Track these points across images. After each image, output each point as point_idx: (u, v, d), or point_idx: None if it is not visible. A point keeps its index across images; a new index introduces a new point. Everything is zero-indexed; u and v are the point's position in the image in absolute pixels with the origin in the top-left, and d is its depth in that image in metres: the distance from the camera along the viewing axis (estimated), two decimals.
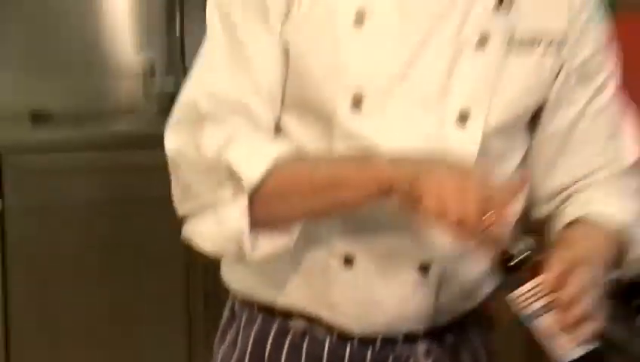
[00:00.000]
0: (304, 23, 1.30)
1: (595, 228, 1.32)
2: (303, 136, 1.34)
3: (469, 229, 1.08)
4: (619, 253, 1.34)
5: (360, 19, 1.28)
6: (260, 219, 1.24)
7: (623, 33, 1.98)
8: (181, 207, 1.32)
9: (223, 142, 1.25)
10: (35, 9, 3.54)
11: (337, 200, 1.25)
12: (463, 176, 1.13)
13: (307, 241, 1.32)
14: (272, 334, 1.39)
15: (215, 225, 1.27)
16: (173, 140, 1.31)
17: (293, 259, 1.33)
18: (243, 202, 1.22)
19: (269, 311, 1.39)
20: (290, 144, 1.28)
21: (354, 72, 1.29)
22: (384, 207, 1.22)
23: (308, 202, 1.28)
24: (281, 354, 1.39)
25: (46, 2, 3.54)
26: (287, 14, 1.29)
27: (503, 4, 1.30)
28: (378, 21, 1.29)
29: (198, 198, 1.29)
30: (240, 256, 1.26)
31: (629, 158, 1.43)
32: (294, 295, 1.37)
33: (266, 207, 1.25)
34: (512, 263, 1.15)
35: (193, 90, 1.32)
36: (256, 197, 1.23)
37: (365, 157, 1.24)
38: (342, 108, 1.29)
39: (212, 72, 1.33)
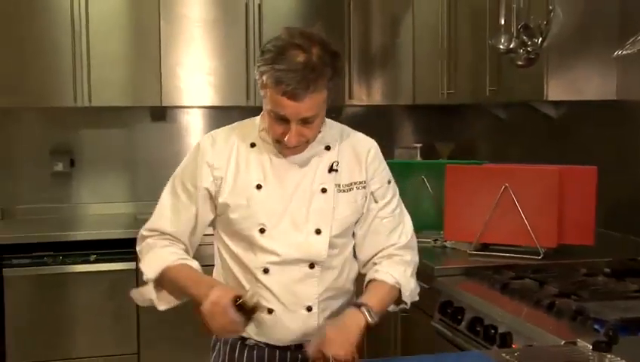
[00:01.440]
0: (231, 192, 1.86)
1: (379, 282, 1.92)
2: (237, 249, 1.89)
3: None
4: (397, 296, 1.94)
5: (259, 187, 1.86)
6: (164, 289, 1.87)
7: (453, 175, 3.07)
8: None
9: (143, 255, 1.90)
10: None
11: (186, 296, 1.85)
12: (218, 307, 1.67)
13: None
14: (238, 347, 1.93)
15: (141, 295, 1.89)
16: (137, 246, 1.95)
17: None
18: (151, 286, 1.85)
19: (237, 337, 1.91)
20: (178, 255, 1.85)
21: (259, 215, 1.85)
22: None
23: (175, 291, 1.86)
24: (243, 356, 1.92)
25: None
26: (217, 189, 1.86)
27: (332, 170, 1.89)
28: (268, 187, 1.86)
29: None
30: (153, 307, 1.88)
31: (404, 241, 2.00)
32: (248, 331, 1.87)
33: (164, 285, 1.86)
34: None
35: (152, 221, 1.93)
36: (157, 282, 1.85)
37: (201, 282, 1.79)
38: (255, 235, 1.85)
39: (159, 213, 1.93)
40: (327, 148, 1.91)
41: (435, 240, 3.35)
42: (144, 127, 4.59)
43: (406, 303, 1.97)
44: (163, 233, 1.90)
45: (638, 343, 1.93)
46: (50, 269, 3.81)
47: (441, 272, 2.89)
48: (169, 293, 1.87)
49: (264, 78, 1.74)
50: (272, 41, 1.78)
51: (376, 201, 1.95)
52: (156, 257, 1.86)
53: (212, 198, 1.90)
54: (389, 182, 2.00)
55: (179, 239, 1.91)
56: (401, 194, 3.64)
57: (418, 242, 3.25)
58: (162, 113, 4.56)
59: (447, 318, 2.72)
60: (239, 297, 1.70)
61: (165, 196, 1.94)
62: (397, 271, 1.94)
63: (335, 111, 4.72)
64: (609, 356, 1.38)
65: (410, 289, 1.97)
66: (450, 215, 3.18)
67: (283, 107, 1.73)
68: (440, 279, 2.85)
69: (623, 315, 2.14)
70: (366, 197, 1.93)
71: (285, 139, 1.78)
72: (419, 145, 4.44)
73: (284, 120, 1.76)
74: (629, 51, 2.14)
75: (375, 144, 2.00)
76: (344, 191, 1.90)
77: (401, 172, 3.51)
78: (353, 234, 1.98)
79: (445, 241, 3.30)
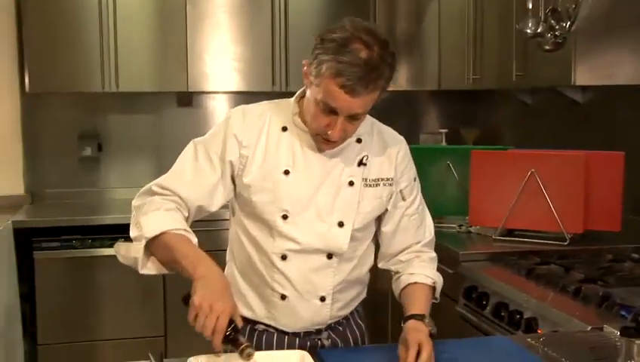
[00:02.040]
0: (257, 174, 1.81)
1: (419, 286, 1.89)
2: (255, 231, 1.85)
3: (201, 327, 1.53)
4: (433, 293, 1.91)
5: (287, 172, 1.81)
6: (152, 253, 1.73)
7: (478, 160, 3.07)
8: (130, 231, 1.78)
9: (145, 211, 1.75)
10: None
11: (177, 269, 1.70)
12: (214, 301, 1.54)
13: (265, 287, 1.86)
14: (247, 331, 1.90)
15: (127, 251, 1.76)
16: (136, 200, 1.82)
17: (257, 296, 1.88)
18: (142, 244, 1.70)
19: (247, 321, 1.86)
20: (182, 225, 1.73)
21: (283, 201, 1.80)
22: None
23: (167, 259, 1.72)
24: (252, 340, 1.87)
25: None
26: (241, 167, 1.81)
27: (361, 164, 1.86)
28: (296, 174, 1.81)
29: (132, 231, 1.77)
30: (135, 269, 1.73)
31: (428, 237, 1.99)
32: (258, 313, 1.90)
33: (154, 250, 1.72)
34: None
35: (166, 180, 1.82)
36: (150, 243, 1.71)
37: (198, 259, 1.65)
38: (277, 221, 1.81)
39: (176, 174, 1.84)
40: (359, 140, 1.86)
41: (460, 225, 3.35)
42: (170, 113, 4.60)
43: (437, 298, 1.95)
44: (174, 194, 1.80)
45: None
46: (79, 252, 3.84)
47: (466, 257, 2.89)
48: (158, 259, 1.73)
49: (323, 67, 1.66)
50: (336, 30, 1.68)
51: (404, 199, 1.93)
52: (160, 218, 1.73)
53: (233, 176, 1.84)
54: (415, 179, 1.97)
55: (187, 206, 1.81)
56: (426, 180, 3.61)
57: (444, 227, 3.33)
58: (188, 98, 4.56)
59: (471, 303, 2.71)
60: (234, 325, 1.58)
61: (186, 159, 1.85)
62: (430, 271, 1.93)
63: None
64: (637, 341, 1.35)
65: (441, 284, 1.95)
66: (476, 200, 3.16)
67: (336, 99, 1.67)
68: (465, 264, 2.85)
69: None
70: (391, 194, 1.90)
71: (329, 132, 1.73)
72: (444, 130, 4.40)
73: (332, 112, 1.70)
74: None
75: (405, 142, 1.96)
76: (370, 185, 1.86)
77: (426, 157, 3.50)
78: (376, 227, 1.95)
79: (470, 227, 3.29)
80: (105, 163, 4.51)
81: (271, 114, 1.86)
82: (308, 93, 1.76)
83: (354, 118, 1.72)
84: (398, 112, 4.79)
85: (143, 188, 1.83)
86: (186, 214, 1.81)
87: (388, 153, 1.90)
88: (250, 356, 1.55)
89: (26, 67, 4.06)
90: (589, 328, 2.00)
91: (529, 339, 1.90)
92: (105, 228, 3.83)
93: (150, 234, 1.69)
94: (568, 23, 2.92)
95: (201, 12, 4.20)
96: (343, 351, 1.87)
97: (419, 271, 1.91)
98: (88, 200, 4.43)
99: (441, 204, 3.41)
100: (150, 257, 1.73)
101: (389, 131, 1.95)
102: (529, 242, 3.00)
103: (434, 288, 1.92)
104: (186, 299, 1.59)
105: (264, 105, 1.89)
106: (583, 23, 2.93)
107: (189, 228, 1.76)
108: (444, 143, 4.36)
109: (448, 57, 4.28)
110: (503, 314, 2.47)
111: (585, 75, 3.01)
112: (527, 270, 2.60)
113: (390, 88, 4.93)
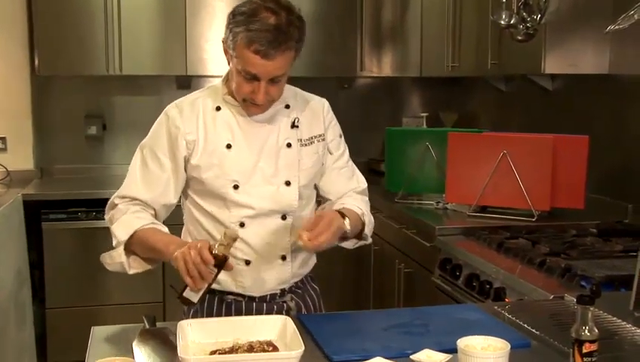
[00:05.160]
0: (202, 154, 1.83)
1: (350, 210, 1.87)
2: (210, 207, 1.86)
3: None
4: (360, 229, 1.91)
5: (229, 146, 1.84)
6: (135, 252, 1.79)
7: (454, 142, 3.08)
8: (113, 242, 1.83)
9: (115, 219, 1.81)
10: None
11: (155, 256, 1.78)
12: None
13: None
14: (215, 301, 1.90)
15: (111, 258, 1.81)
16: (106, 215, 1.88)
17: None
18: (121, 248, 1.77)
19: (215, 293, 1.89)
20: (149, 220, 1.78)
21: (231, 173, 1.83)
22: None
23: (146, 252, 1.78)
24: (222, 310, 1.90)
25: None
26: (190, 153, 1.82)
27: (294, 126, 1.89)
28: (238, 146, 1.84)
29: (113, 241, 1.81)
30: (124, 272, 1.80)
31: (362, 186, 2.02)
32: (224, 285, 1.88)
33: (134, 249, 1.78)
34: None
35: (123, 189, 1.86)
36: (127, 245, 1.77)
37: (171, 242, 1.71)
38: (229, 192, 1.83)
39: (130, 182, 1.86)
40: (287, 106, 1.90)
41: (438, 202, 3.36)
42: (170, 95, 4.48)
43: (367, 236, 1.95)
44: (134, 199, 1.85)
45: (620, 298, 1.94)
46: (84, 223, 3.85)
47: (442, 232, 2.90)
48: (139, 257, 1.80)
49: (238, 38, 1.72)
50: (245, 4, 1.75)
51: (331, 153, 1.97)
52: (128, 221, 1.79)
53: (185, 165, 1.87)
54: (341, 136, 2.00)
55: (150, 206, 1.86)
56: (407, 160, 3.62)
57: (422, 204, 3.35)
58: (187, 81, 4.54)
59: (446, 274, 2.73)
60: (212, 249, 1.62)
61: (135, 166, 1.88)
62: (362, 205, 1.95)
63: (347, 82, 4.75)
64: (591, 309, 1.38)
65: (372, 224, 1.97)
66: (452, 179, 3.17)
67: (254, 65, 1.72)
68: (441, 238, 2.87)
69: (608, 273, 2.14)
70: (325, 149, 1.94)
71: (254, 97, 1.77)
72: (425, 114, 4.41)
73: (254, 78, 1.74)
74: (620, 26, 2.10)
75: (327, 101, 2.00)
76: (306, 144, 1.90)
77: (407, 139, 3.52)
78: (315, 186, 1.99)
79: (447, 203, 3.31)
80: (109, 141, 4.52)
81: (203, 99, 1.89)
82: (230, 66, 1.80)
83: (274, 81, 1.76)
84: (382, 97, 4.80)
85: (108, 204, 1.89)
86: (152, 212, 1.86)
87: (314, 112, 1.94)
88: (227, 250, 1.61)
89: (36, 51, 4.06)
90: (551, 297, 2.02)
91: (496, 307, 1.92)
92: (108, 201, 3.84)
93: (124, 237, 1.76)
94: (539, 15, 2.92)
95: (199, 1, 4.19)
96: (320, 316, 1.88)
97: (350, 201, 1.94)
98: (93, 176, 4.44)
99: (420, 182, 3.44)
100: (133, 257, 1.80)
101: (310, 95, 2.00)
102: (500, 218, 3.01)
103: (362, 224, 1.91)
104: (181, 295, 1.66)
105: (194, 94, 1.93)
106: (552, 16, 2.94)
107: (156, 221, 1.81)
108: (424, 126, 4.37)
109: (429, 46, 4.28)
110: (474, 284, 2.50)
111: (553, 64, 3.02)
112: (498, 244, 2.62)
113: (375, 74, 4.96)
